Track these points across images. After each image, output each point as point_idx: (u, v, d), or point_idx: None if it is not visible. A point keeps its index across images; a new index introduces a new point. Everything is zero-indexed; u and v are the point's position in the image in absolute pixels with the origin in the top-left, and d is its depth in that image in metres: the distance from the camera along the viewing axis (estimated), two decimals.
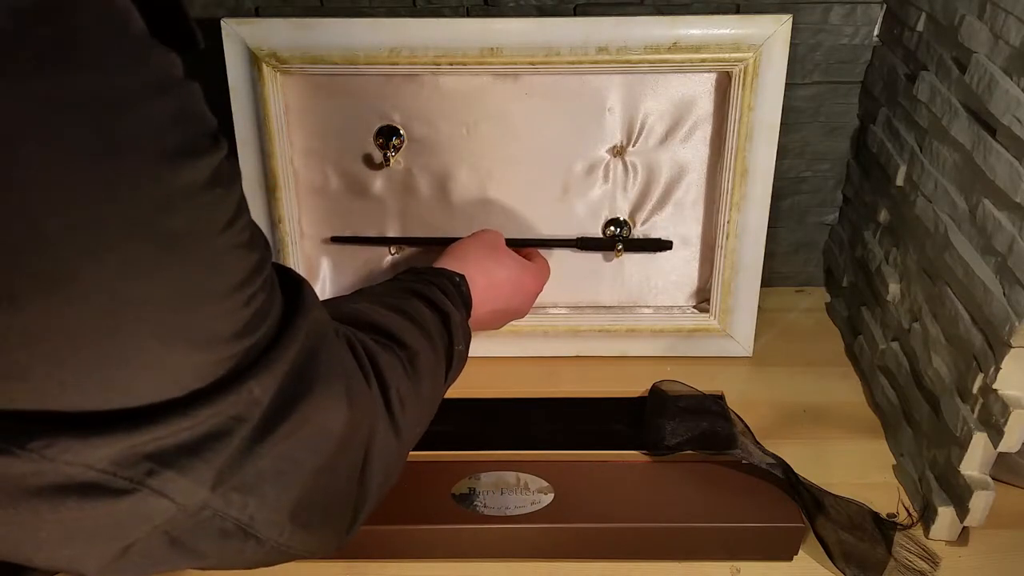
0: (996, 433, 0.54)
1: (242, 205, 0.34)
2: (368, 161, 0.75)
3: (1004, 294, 0.53)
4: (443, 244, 0.68)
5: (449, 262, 0.64)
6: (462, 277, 0.61)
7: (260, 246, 0.35)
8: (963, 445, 0.57)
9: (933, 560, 0.59)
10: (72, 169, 0.27)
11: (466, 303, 0.61)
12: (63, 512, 0.30)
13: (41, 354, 0.28)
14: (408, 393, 0.47)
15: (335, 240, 0.78)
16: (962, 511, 0.58)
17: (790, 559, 0.59)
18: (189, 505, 0.33)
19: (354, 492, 0.42)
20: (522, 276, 0.68)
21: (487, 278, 0.64)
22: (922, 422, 0.64)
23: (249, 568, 0.40)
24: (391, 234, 0.78)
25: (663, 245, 0.77)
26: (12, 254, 0.26)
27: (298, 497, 0.37)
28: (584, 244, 0.77)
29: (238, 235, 0.33)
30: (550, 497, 0.60)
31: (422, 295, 0.56)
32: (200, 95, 0.31)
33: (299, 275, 0.40)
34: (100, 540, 0.33)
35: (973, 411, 0.57)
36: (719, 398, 0.70)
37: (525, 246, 0.74)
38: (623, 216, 0.77)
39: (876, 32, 0.76)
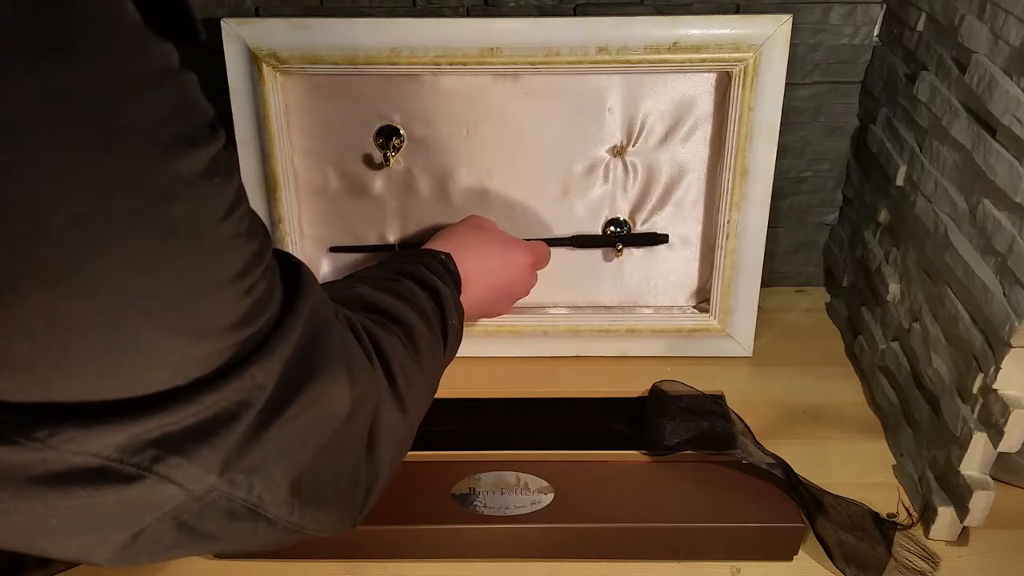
0: (996, 433, 0.54)
1: (241, 194, 0.34)
2: (368, 161, 0.75)
3: (1004, 294, 0.53)
4: None
5: (435, 244, 0.65)
6: (447, 255, 0.62)
7: (260, 234, 0.35)
8: (963, 445, 0.57)
9: (933, 560, 0.59)
10: (73, 160, 0.27)
11: (455, 280, 0.62)
12: (74, 499, 0.31)
13: (44, 346, 0.28)
14: (410, 368, 0.48)
15: (334, 250, 0.78)
16: (962, 511, 0.58)
17: (790, 559, 0.59)
18: (197, 491, 0.33)
19: (363, 468, 0.43)
20: (511, 249, 0.69)
21: (473, 254, 0.65)
22: (922, 422, 0.64)
23: (263, 550, 0.40)
24: (391, 234, 0.78)
25: (659, 239, 0.77)
26: (14, 246, 0.26)
27: (305, 475, 0.38)
28: (580, 242, 0.77)
29: (238, 224, 0.33)
30: (550, 497, 0.60)
31: (410, 275, 0.57)
32: (196, 85, 0.31)
33: (298, 259, 0.41)
34: (110, 528, 0.33)
35: (973, 411, 0.57)
36: (719, 398, 0.70)
37: None
38: (623, 216, 0.77)
39: (876, 32, 0.76)
